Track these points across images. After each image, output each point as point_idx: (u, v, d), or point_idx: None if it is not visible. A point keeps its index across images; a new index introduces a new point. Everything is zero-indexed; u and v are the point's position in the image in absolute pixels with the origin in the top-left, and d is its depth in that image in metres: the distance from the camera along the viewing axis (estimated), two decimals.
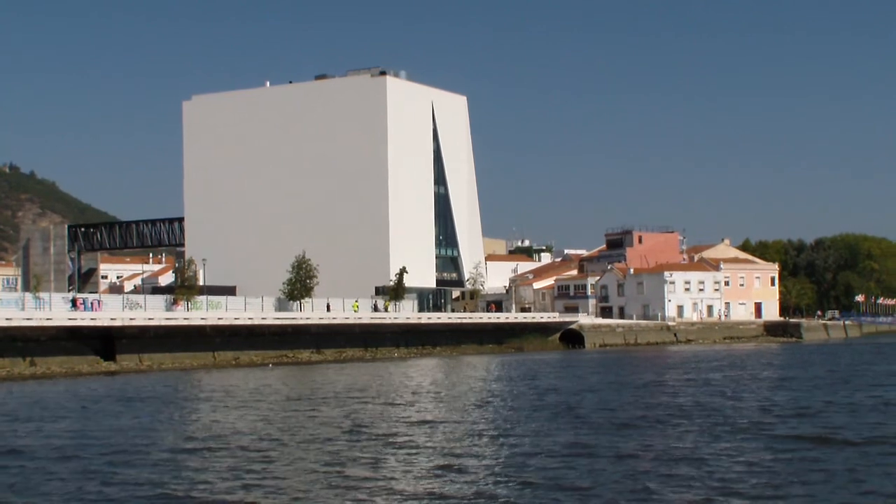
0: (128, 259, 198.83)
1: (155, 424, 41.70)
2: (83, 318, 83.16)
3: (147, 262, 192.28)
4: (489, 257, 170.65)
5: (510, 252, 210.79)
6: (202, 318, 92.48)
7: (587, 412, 43.79)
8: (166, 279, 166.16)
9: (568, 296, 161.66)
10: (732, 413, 42.75)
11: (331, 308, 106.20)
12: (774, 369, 76.12)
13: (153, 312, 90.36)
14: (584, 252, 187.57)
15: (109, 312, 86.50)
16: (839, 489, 26.00)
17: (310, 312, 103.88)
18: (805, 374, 69.74)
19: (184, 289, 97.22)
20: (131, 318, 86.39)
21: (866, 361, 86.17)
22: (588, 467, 29.28)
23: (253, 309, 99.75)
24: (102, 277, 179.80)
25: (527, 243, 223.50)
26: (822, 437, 34.76)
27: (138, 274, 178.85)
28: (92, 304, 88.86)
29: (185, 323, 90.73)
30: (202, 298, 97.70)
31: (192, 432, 39.03)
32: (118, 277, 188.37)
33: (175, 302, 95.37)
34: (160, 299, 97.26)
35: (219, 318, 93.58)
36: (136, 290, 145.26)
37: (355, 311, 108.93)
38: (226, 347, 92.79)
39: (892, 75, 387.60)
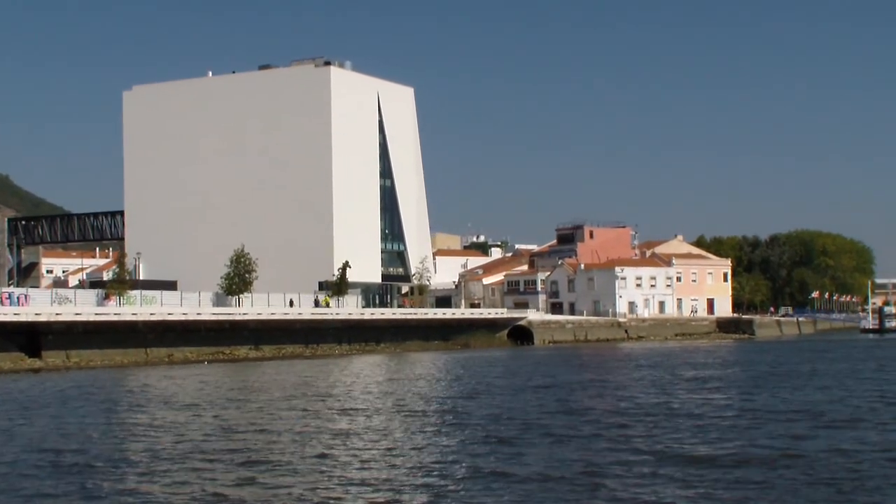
0: (74, 253, 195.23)
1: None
2: (6, 314, 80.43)
3: (94, 257, 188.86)
4: (439, 252, 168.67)
5: (464, 247, 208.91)
6: (133, 314, 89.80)
7: (480, 421, 39.63)
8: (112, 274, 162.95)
9: (518, 291, 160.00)
10: (638, 424, 38.19)
11: (293, 304, 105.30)
12: (706, 369, 73.95)
13: (82, 307, 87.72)
14: (535, 247, 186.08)
15: (35, 307, 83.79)
16: None
17: (248, 308, 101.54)
18: (740, 373, 67.86)
19: (116, 283, 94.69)
20: (57, 314, 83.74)
21: (801, 360, 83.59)
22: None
23: (189, 304, 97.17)
24: (48, 272, 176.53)
25: (482, 239, 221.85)
26: (708, 456, 30.55)
27: (84, 268, 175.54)
28: (18, 298, 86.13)
29: (116, 318, 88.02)
30: (135, 293, 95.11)
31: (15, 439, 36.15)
32: (63, 272, 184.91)
33: (107, 297, 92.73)
34: (91, 294, 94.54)
35: (151, 314, 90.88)
36: (80, 285, 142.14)
37: (326, 305, 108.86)
38: (159, 344, 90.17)
39: (850, 71, 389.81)
